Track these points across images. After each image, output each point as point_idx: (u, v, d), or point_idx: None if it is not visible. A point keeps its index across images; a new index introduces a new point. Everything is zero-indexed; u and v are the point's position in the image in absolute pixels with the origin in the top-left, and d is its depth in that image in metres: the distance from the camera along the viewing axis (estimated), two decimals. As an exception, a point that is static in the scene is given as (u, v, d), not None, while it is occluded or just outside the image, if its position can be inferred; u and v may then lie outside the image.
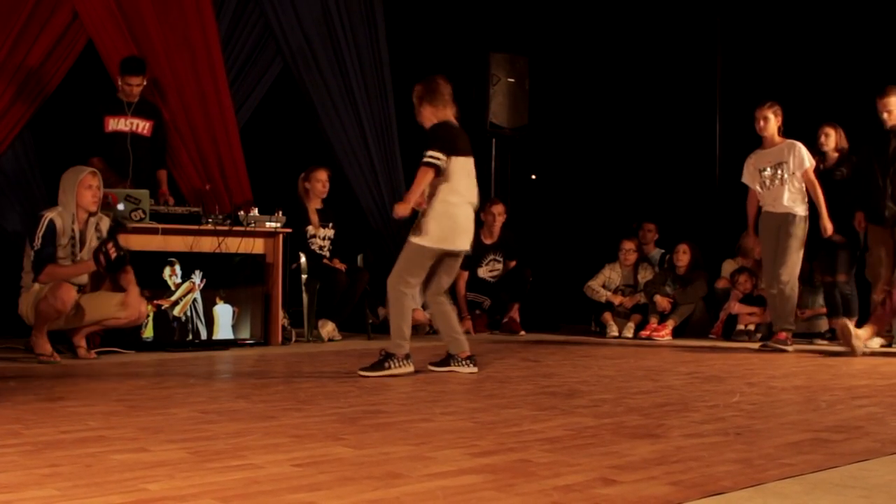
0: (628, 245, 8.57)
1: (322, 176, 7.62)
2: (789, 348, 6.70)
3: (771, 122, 6.88)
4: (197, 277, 6.46)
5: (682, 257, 8.23)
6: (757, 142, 7.12)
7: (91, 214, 5.68)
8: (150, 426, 3.27)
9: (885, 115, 6.89)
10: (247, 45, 8.28)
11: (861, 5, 8.10)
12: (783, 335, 6.79)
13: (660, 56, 9.31)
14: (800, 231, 6.80)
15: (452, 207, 5.03)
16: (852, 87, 7.74)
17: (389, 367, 4.96)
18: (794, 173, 6.81)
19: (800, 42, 8.34)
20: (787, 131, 6.99)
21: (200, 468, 2.57)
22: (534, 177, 10.05)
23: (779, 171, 6.84)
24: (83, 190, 5.60)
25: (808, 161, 6.81)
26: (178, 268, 6.40)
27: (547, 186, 9.99)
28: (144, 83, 6.86)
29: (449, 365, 5.20)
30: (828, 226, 6.80)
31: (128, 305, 5.66)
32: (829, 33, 8.15)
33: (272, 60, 8.43)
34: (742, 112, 8.66)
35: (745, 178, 7.09)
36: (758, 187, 6.98)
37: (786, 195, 6.81)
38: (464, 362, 5.18)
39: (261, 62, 8.38)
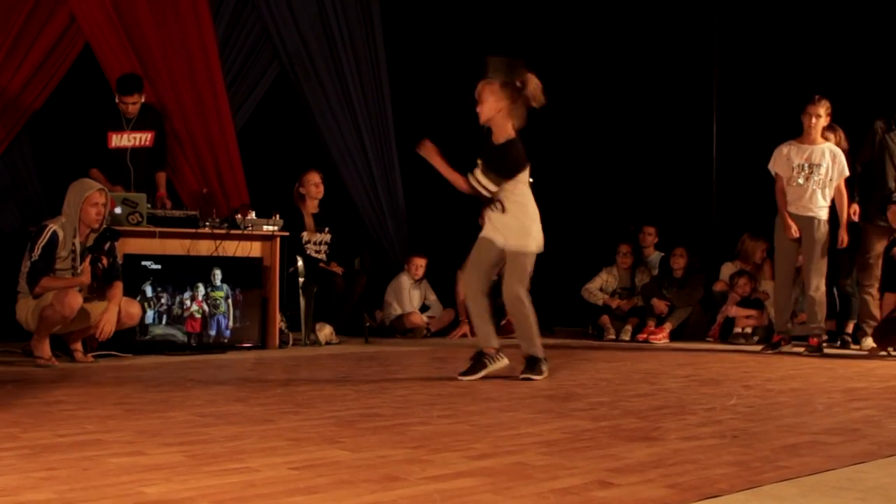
0: (625, 248, 8.58)
1: (314, 178, 7.61)
2: (818, 353, 6.69)
3: (822, 120, 6.78)
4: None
5: (679, 260, 8.24)
6: (754, 143, 7.12)
7: (93, 230, 5.67)
8: (148, 429, 3.26)
9: None
10: (244, 48, 8.30)
11: (859, 6, 8.11)
12: (815, 340, 6.77)
13: (657, 59, 9.31)
14: (826, 236, 6.79)
15: (535, 210, 5.03)
16: (851, 88, 7.74)
17: (544, 371, 4.97)
18: (831, 180, 6.76)
19: (797, 44, 8.35)
20: (785, 133, 6.98)
21: (197, 471, 2.57)
22: (531, 180, 10.04)
23: (814, 173, 6.76)
24: (88, 207, 5.57)
25: (847, 171, 6.77)
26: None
27: (544, 189, 9.98)
28: (142, 99, 6.86)
29: (485, 366, 4.97)
30: (845, 238, 6.78)
31: (97, 322, 5.57)
32: (827, 35, 8.16)
33: (269, 64, 8.44)
34: (739, 114, 8.69)
35: (776, 167, 6.90)
36: (787, 180, 6.85)
37: (817, 199, 6.75)
38: (497, 357, 5.02)
39: (258, 66, 8.40)
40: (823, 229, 6.78)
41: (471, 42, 9.27)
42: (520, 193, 4.99)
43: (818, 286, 6.78)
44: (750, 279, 7.95)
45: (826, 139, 6.83)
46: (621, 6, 9.54)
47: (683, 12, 9.24)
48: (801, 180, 6.80)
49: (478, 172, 4.97)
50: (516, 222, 4.95)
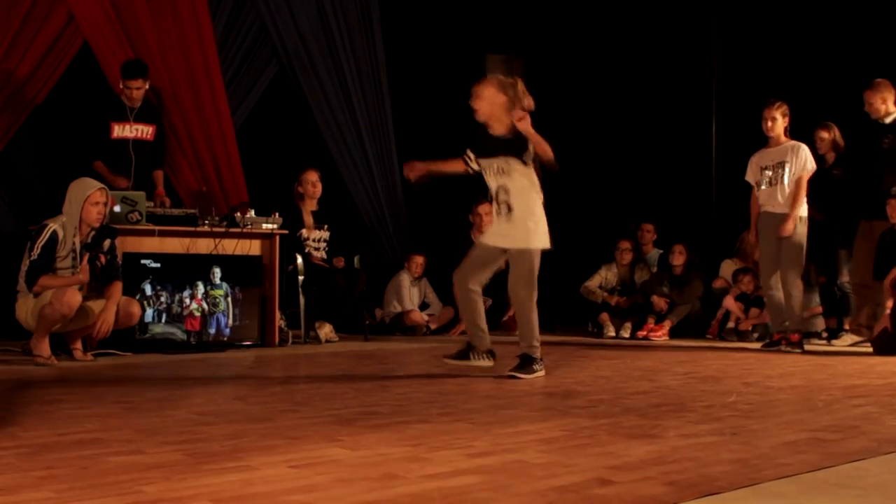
0: (624, 245, 8.58)
1: (311, 177, 7.61)
2: (798, 349, 6.69)
3: (778, 122, 6.83)
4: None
5: (678, 257, 8.24)
6: (752, 141, 7.13)
7: (93, 229, 5.67)
8: (147, 428, 3.26)
9: (867, 108, 6.96)
10: (243, 46, 8.29)
11: (856, 4, 8.10)
12: (796, 336, 6.77)
13: (656, 57, 9.31)
14: (802, 232, 6.78)
15: (542, 208, 5.07)
16: (849, 85, 7.73)
17: (536, 371, 4.97)
18: (794, 174, 6.78)
19: (795, 42, 8.35)
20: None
21: (196, 470, 2.57)
22: (539, 189, 10.03)
23: (780, 172, 6.80)
24: (90, 206, 5.57)
25: (810, 165, 6.76)
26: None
27: (543, 187, 9.97)
28: (146, 86, 6.87)
29: (468, 358, 5.10)
30: (788, 227, 6.66)
31: (95, 321, 5.57)
32: (825, 32, 8.16)
33: (268, 62, 8.43)
34: (738, 112, 8.68)
35: (748, 176, 7.03)
36: (758, 186, 6.94)
37: (786, 196, 6.78)
38: (483, 356, 5.10)
39: (257, 64, 8.39)
40: (799, 226, 6.77)
41: (470, 40, 9.28)
42: (527, 195, 5.01)
43: (795, 284, 6.78)
44: (754, 277, 7.95)
45: (788, 138, 6.85)
46: (620, 4, 9.53)
47: (682, 10, 9.23)
48: (770, 182, 6.84)
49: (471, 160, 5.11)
50: (521, 225, 4.98)
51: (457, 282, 5.15)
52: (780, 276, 6.82)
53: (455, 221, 8.73)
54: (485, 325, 5.17)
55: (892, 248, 6.79)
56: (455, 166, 5.23)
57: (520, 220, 4.98)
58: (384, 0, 9.15)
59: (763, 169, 6.90)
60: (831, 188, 7.27)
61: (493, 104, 5.00)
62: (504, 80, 5.04)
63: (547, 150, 4.94)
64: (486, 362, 5.12)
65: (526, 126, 4.87)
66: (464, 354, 5.13)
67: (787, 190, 6.77)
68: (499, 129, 5.03)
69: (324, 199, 7.73)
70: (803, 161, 6.76)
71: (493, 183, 5.06)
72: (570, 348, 7.02)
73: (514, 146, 4.95)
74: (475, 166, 5.15)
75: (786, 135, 6.87)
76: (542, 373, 5.01)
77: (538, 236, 5.01)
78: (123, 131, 6.84)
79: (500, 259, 5.17)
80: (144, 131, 6.91)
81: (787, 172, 6.77)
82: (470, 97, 5.06)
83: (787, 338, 6.86)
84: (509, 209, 4.99)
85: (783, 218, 6.77)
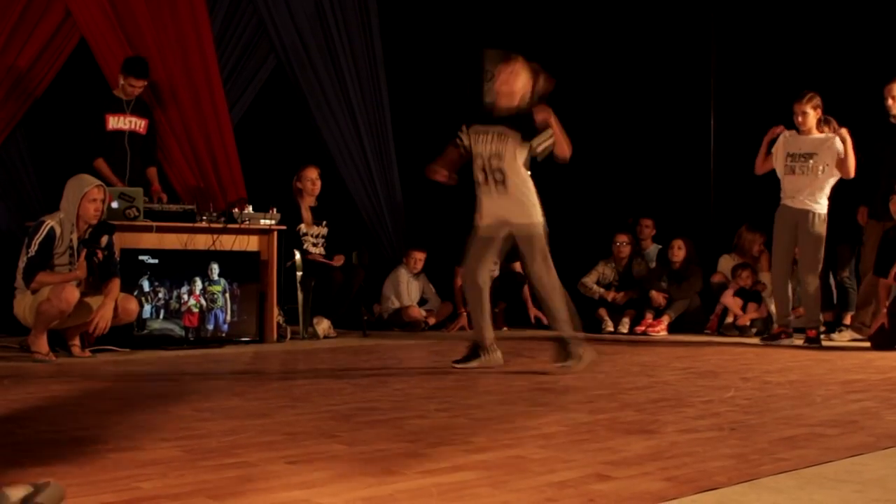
0: (622, 238, 8.56)
1: (311, 174, 7.60)
2: (816, 345, 6.69)
3: (810, 116, 6.72)
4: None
5: (677, 252, 8.23)
6: (751, 137, 7.10)
7: (90, 226, 5.66)
8: (144, 424, 3.26)
9: (891, 102, 6.86)
10: (240, 42, 8.27)
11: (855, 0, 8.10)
12: (813, 332, 6.77)
13: (654, 52, 9.29)
14: (822, 230, 6.74)
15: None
16: (848, 81, 7.73)
17: (577, 355, 4.94)
18: (823, 171, 6.67)
19: (794, 37, 8.33)
20: (783, 124, 6.95)
21: (194, 466, 2.57)
22: (529, 173, 10.01)
23: (809, 163, 6.72)
24: (87, 203, 5.56)
25: (842, 154, 6.66)
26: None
27: (541, 183, 9.95)
28: (146, 84, 6.86)
29: (478, 358, 5.07)
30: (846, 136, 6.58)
31: (93, 318, 5.55)
32: (824, 28, 8.14)
33: (266, 58, 8.42)
34: (737, 107, 8.67)
35: (774, 150, 6.89)
36: (781, 171, 6.84)
37: (811, 191, 6.71)
38: (491, 352, 5.09)
39: (254, 60, 8.37)
40: (819, 224, 6.74)
41: (468, 35, 9.27)
42: (523, 170, 4.97)
43: (813, 281, 6.77)
44: (753, 272, 7.95)
45: (822, 131, 6.80)
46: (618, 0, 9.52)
47: (681, 6, 9.22)
48: (795, 170, 6.78)
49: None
50: (520, 196, 4.93)
51: (463, 277, 5.15)
52: (799, 272, 6.82)
53: (454, 219, 8.71)
54: (489, 320, 5.15)
55: (894, 245, 6.77)
56: (452, 155, 5.16)
57: (517, 189, 4.93)
58: (382, -6, 9.14)
59: (789, 155, 6.79)
60: (841, 181, 7.24)
61: (526, 88, 4.99)
62: (531, 65, 5.03)
63: (564, 148, 4.92)
64: (496, 356, 5.09)
65: (548, 116, 4.86)
66: (473, 356, 5.09)
67: (814, 184, 6.67)
68: (508, 103, 4.99)
69: (322, 194, 7.72)
70: (834, 152, 6.63)
71: (485, 151, 4.97)
72: (569, 344, 7.00)
73: (518, 123, 4.89)
74: (466, 141, 5.06)
75: (819, 127, 6.76)
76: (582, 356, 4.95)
77: (539, 211, 4.97)
78: (119, 123, 6.82)
79: (502, 234, 5.04)
80: (138, 124, 6.90)
81: (821, 167, 6.67)
82: (500, 73, 5.02)
83: (784, 333, 6.88)
84: (503, 177, 4.92)
85: (806, 216, 6.71)
